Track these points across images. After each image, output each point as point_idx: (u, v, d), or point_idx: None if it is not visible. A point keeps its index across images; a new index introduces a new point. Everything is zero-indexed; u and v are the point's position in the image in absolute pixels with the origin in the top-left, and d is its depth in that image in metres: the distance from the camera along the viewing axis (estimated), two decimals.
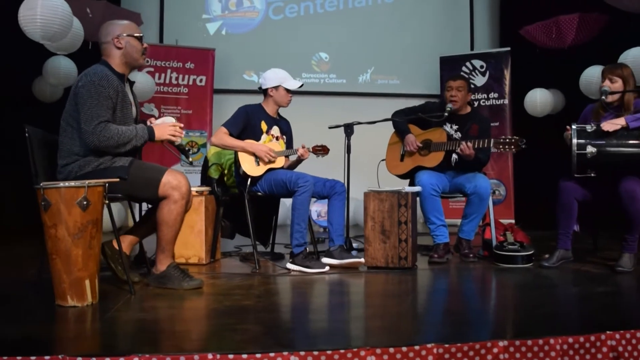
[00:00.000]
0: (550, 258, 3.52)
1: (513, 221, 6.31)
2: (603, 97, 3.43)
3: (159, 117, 6.13)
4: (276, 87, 3.73)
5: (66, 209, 2.48)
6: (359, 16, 7.18)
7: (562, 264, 3.50)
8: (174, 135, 2.97)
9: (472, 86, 6.59)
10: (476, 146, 3.73)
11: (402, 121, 4.07)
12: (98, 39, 3.02)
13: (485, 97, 6.57)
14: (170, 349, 1.88)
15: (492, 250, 3.75)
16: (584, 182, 3.45)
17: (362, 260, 3.53)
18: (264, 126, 3.72)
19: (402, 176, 4.11)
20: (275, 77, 3.73)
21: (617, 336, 2.01)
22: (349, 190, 3.93)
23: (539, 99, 5.86)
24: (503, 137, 3.68)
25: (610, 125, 3.28)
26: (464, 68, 6.63)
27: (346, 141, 4.02)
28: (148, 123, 3.09)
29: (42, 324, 2.29)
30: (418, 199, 3.80)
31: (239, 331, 2.11)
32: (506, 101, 6.49)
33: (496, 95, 6.53)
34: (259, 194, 3.70)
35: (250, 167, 3.61)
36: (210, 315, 2.45)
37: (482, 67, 6.57)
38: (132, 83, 3.15)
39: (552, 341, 1.96)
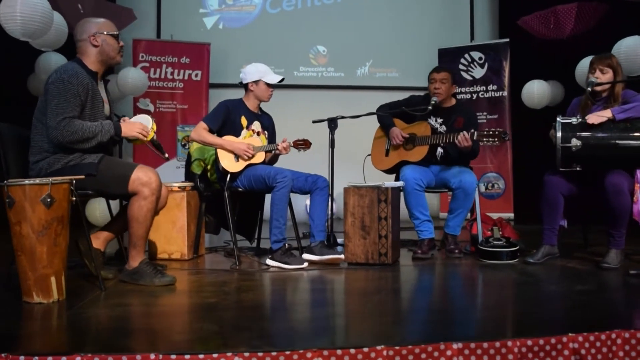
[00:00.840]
0: (535, 254, 3.44)
1: (512, 215, 6.24)
2: (589, 89, 3.33)
3: (155, 112, 6.18)
4: (256, 82, 3.69)
5: (30, 206, 2.46)
6: (357, 8, 7.08)
7: (547, 260, 3.43)
8: (141, 134, 2.93)
9: (471, 78, 6.49)
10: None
11: (386, 115, 4.00)
12: (74, 36, 3.01)
13: (484, 89, 6.45)
14: (117, 348, 1.86)
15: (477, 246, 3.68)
16: (570, 176, 3.37)
17: (342, 256, 3.48)
18: (244, 121, 3.68)
19: (388, 171, 4.05)
20: (256, 71, 3.68)
21: (580, 338, 1.94)
22: (334, 186, 3.88)
23: (536, 91, 5.74)
24: (486, 129, 3.59)
25: (596, 117, 3.18)
26: (462, 60, 6.52)
27: (330, 136, 3.96)
28: (122, 122, 3.07)
29: (3, 320, 2.28)
30: (402, 194, 3.75)
31: (193, 330, 2.09)
32: (505, 93, 6.38)
33: (495, 87, 6.41)
34: (239, 189, 3.67)
35: (229, 163, 3.58)
36: (170, 313, 2.41)
37: (480, 59, 6.45)
38: (106, 81, 3.13)
39: (509, 343, 1.89)
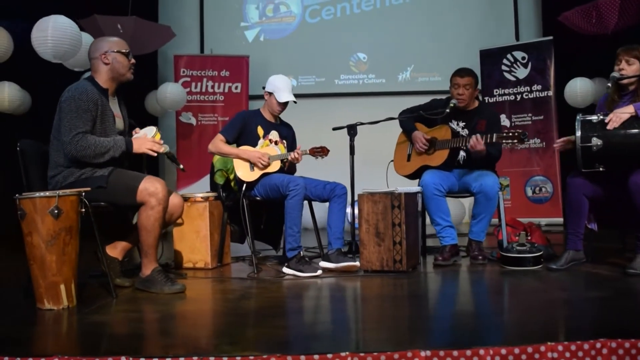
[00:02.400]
0: (558, 260, 3.27)
1: (561, 219, 5.96)
2: (609, 84, 3.15)
3: (197, 125, 6.37)
4: (270, 94, 3.73)
5: (39, 217, 2.61)
6: (397, 14, 7.04)
7: (572, 266, 3.25)
8: (152, 150, 3.04)
9: (514, 79, 6.29)
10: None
11: (407, 120, 3.94)
12: (88, 55, 3.17)
13: (528, 89, 6.22)
14: (98, 352, 1.94)
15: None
16: (594, 178, 3.19)
17: (358, 264, 3.45)
18: (260, 131, 3.73)
19: (410, 176, 3.98)
20: (272, 84, 3.72)
21: (560, 348, 1.83)
22: (354, 193, 3.86)
23: (580, 89, 5.48)
24: (506, 131, 3.47)
25: (617, 118, 3.00)
26: (504, 60, 6.32)
27: (350, 142, 3.94)
28: (133, 133, 3.20)
29: (14, 325, 2.41)
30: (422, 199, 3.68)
31: (175, 335, 2.14)
32: (550, 93, 6.12)
33: (539, 87, 6.17)
34: (257, 198, 3.72)
35: (244, 172, 3.64)
36: (162, 319, 2.46)
37: (523, 58, 6.23)
38: (120, 98, 3.26)
39: (481, 352, 1.81)
